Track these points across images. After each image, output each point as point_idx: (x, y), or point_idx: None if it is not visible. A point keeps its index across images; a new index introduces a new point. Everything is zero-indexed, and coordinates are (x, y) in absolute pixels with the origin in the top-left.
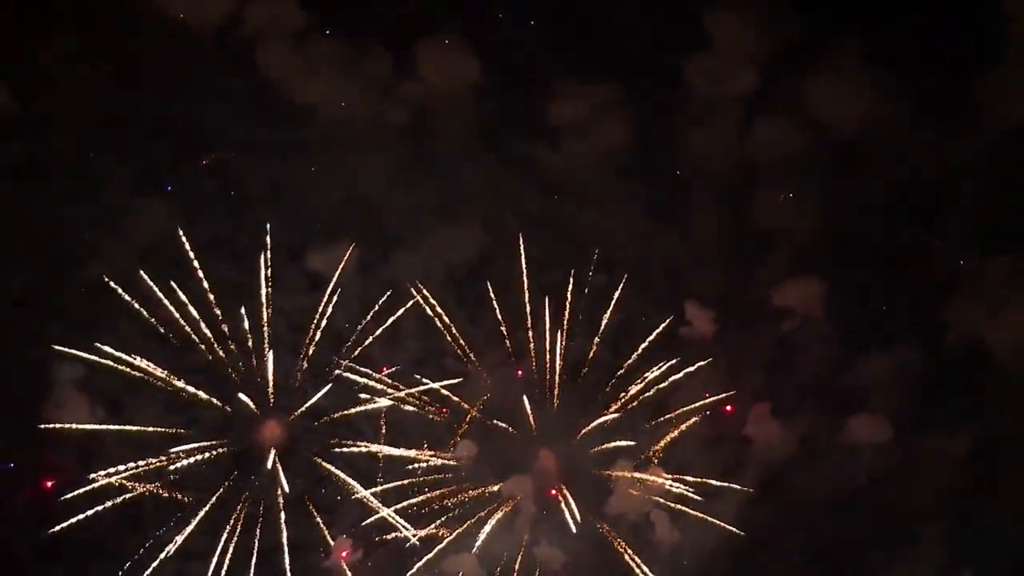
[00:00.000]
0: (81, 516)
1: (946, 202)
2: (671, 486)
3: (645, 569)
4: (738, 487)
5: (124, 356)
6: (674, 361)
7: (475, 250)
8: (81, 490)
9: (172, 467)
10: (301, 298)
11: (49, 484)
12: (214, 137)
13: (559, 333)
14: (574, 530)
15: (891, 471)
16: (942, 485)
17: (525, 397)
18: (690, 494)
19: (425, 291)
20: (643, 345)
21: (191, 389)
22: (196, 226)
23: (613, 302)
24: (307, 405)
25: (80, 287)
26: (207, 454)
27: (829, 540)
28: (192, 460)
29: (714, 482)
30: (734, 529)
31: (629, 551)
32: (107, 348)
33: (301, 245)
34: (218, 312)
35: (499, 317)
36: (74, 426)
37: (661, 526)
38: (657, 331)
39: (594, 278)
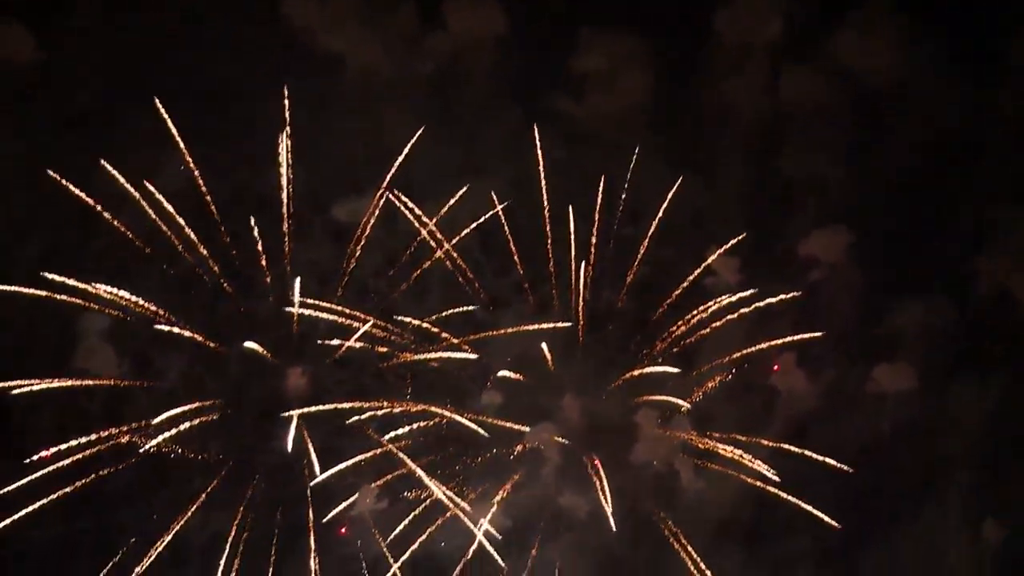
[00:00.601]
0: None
1: (976, 151)
2: (701, 440)
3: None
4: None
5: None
6: (714, 305)
7: (500, 201)
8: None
9: (196, 420)
10: (326, 249)
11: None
12: (241, 88)
13: (584, 284)
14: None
15: (918, 421)
16: (969, 435)
17: (545, 345)
18: (720, 447)
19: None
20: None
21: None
22: (222, 178)
23: (640, 253)
24: (340, 351)
25: (107, 240)
26: (229, 410)
27: (855, 491)
28: (216, 415)
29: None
30: (767, 472)
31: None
32: (135, 298)
33: (327, 196)
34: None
35: (522, 269)
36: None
37: (686, 475)
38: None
39: (620, 230)
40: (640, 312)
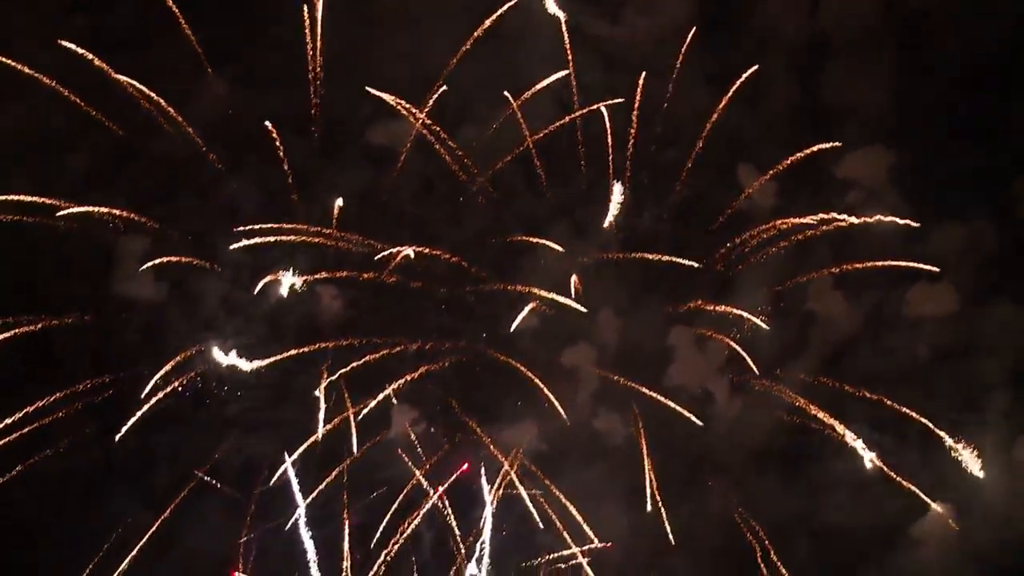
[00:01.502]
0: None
1: (1019, 72)
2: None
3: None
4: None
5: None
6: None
7: (541, 125)
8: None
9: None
10: (364, 173)
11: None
12: (279, 10)
13: (620, 207)
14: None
15: (957, 344)
16: (1008, 358)
17: (575, 277)
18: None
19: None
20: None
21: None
22: (261, 101)
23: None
24: (385, 271)
25: (147, 164)
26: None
27: (891, 415)
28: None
29: None
30: (800, 400)
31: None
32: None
33: (364, 120)
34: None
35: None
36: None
37: (722, 398)
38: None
39: (658, 153)
40: (679, 237)
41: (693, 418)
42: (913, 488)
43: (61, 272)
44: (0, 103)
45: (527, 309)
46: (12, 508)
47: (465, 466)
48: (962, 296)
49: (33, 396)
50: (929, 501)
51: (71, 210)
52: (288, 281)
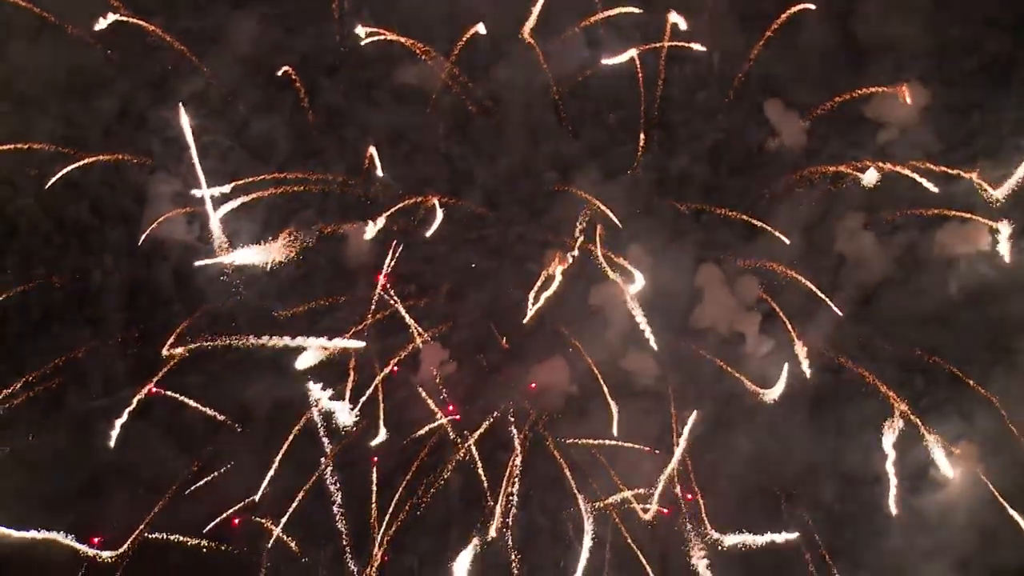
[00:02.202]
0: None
1: None
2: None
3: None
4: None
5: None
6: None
7: (575, 67)
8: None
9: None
10: (394, 114)
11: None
12: None
13: (651, 147)
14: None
15: (989, 284)
16: None
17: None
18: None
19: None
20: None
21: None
22: (289, 41)
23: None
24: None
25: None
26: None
27: (922, 358)
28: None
29: None
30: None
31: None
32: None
33: (396, 58)
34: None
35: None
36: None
37: (751, 339)
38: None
39: (692, 95)
40: (709, 176)
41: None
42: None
43: (96, 213)
44: (31, 47)
45: (550, 269)
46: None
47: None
48: (992, 237)
49: (69, 337)
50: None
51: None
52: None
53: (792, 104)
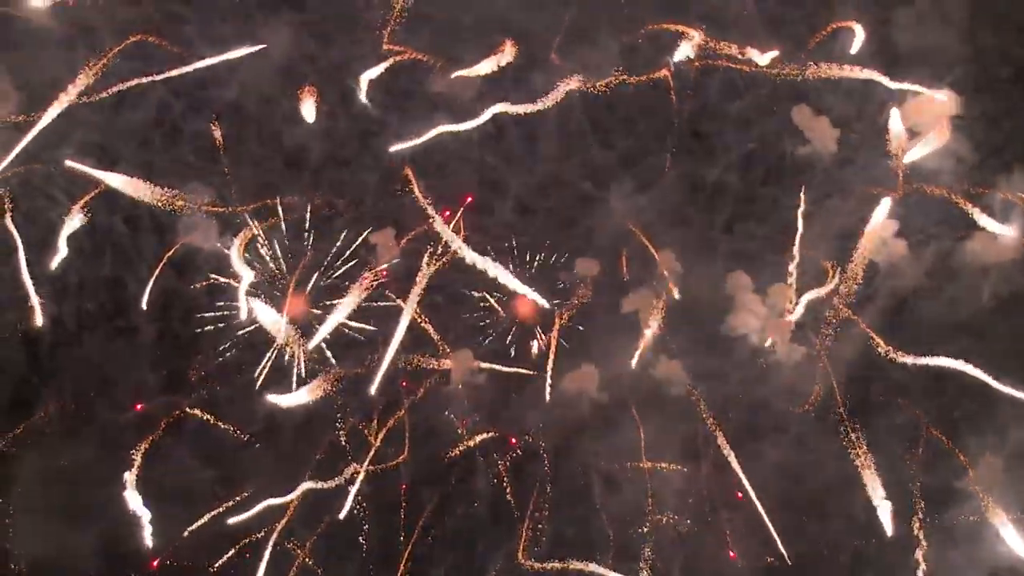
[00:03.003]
0: None
1: None
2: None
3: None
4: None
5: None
6: None
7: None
8: None
9: None
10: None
11: None
12: None
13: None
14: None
15: (1019, 293)
16: None
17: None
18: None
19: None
20: None
21: None
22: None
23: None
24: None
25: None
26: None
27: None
28: None
29: None
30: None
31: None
32: None
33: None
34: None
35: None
36: None
37: (782, 348)
38: None
39: (726, 104)
40: (742, 185)
41: None
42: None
43: (128, 223)
44: (59, 53)
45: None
46: None
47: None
48: None
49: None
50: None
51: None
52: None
53: (822, 111)
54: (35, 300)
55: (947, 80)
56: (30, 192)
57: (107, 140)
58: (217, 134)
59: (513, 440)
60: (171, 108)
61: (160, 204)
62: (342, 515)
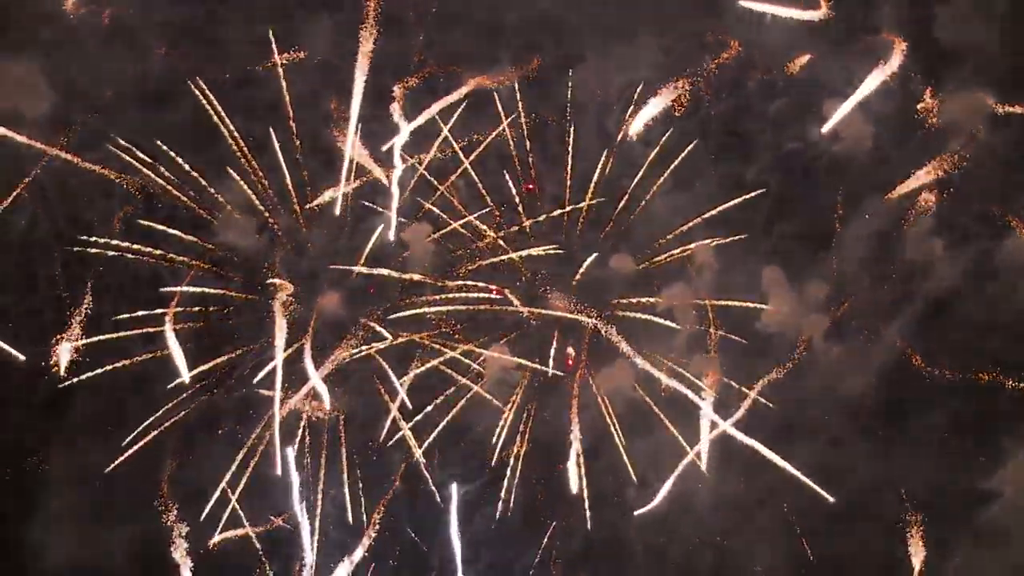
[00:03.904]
0: None
1: None
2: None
3: None
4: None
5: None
6: None
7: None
8: None
9: None
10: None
11: None
12: None
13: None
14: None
15: None
16: None
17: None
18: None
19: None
20: None
21: None
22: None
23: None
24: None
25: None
26: None
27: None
28: None
29: None
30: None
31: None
32: None
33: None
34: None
35: None
36: None
37: (819, 345)
38: None
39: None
40: (780, 184)
41: None
42: None
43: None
44: (101, 51)
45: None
46: None
47: None
48: None
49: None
50: None
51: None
52: None
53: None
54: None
55: (986, 77)
56: (68, 190)
57: (146, 139)
58: (256, 134)
59: None
60: (210, 108)
61: (198, 204)
62: None
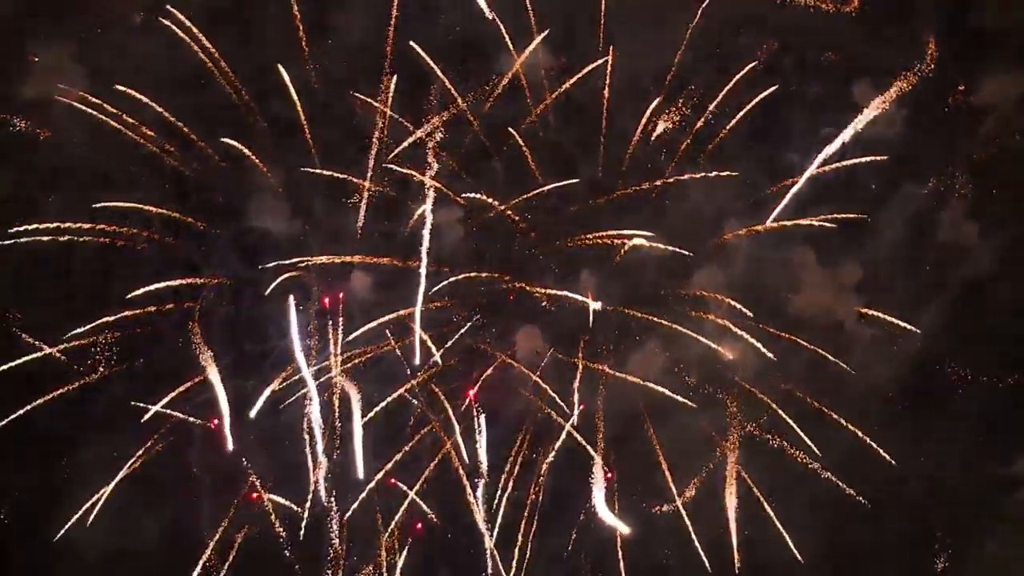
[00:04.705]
0: None
1: None
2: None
3: None
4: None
5: None
6: None
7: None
8: None
9: None
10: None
11: None
12: None
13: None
14: None
15: None
16: None
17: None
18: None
19: None
20: None
21: None
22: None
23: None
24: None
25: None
26: None
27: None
28: None
29: None
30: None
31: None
32: None
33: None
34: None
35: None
36: None
37: (851, 328)
38: None
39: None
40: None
41: None
42: None
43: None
44: (134, 38)
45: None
46: None
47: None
48: None
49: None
50: None
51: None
52: None
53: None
54: None
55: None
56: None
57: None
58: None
59: None
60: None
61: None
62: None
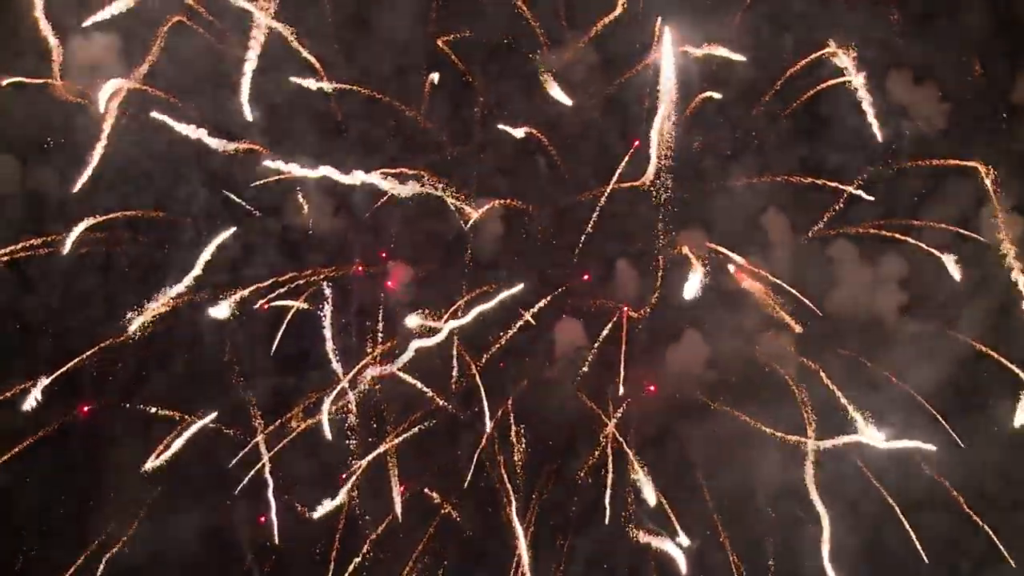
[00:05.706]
0: None
1: None
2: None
3: None
4: None
5: None
6: None
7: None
8: None
9: None
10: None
11: None
12: None
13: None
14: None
15: None
16: None
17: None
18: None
19: None
20: None
21: None
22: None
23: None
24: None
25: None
26: None
27: None
28: None
29: None
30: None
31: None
32: None
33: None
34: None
35: None
36: None
37: (892, 324)
38: None
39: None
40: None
41: None
42: None
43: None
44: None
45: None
46: None
47: None
48: None
49: None
50: None
51: None
52: None
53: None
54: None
55: None
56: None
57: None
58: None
59: None
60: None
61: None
62: None
